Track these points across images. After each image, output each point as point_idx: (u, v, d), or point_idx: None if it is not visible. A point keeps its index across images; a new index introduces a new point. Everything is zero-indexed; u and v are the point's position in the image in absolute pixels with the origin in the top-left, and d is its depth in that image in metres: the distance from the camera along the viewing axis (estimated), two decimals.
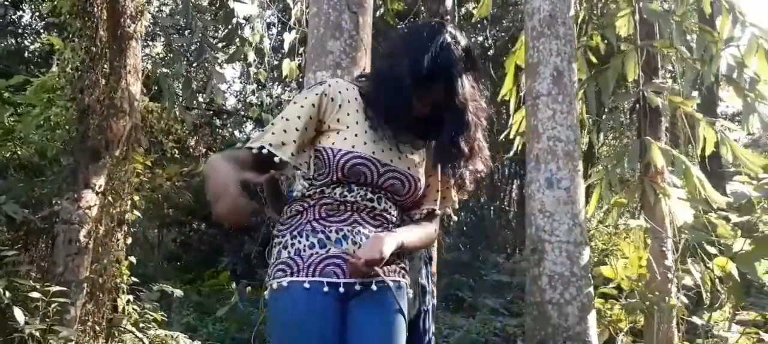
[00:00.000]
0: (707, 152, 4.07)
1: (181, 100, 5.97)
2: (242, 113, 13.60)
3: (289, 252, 1.65)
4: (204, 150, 12.97)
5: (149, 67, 6.49)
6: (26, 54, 11.52)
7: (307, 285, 1.60)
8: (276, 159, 1.62)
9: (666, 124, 4.44)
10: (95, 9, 4.74)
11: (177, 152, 7.87)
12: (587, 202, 3.69)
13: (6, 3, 10.75)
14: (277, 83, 10.97)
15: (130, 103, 4.79)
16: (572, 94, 3.45)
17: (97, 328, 4.57)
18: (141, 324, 4.88)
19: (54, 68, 6.06)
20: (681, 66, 4.19)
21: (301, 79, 4.74)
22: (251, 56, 5.36)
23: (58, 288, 3.92)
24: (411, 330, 2.01)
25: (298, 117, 1.66)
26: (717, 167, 7.52)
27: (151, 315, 4.97)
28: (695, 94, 4.81)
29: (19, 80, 5.57)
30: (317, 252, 1.63)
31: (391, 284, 1.67)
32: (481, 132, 1.76)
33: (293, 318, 1.59)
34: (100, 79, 4.70)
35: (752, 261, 3.01)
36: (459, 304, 8.48)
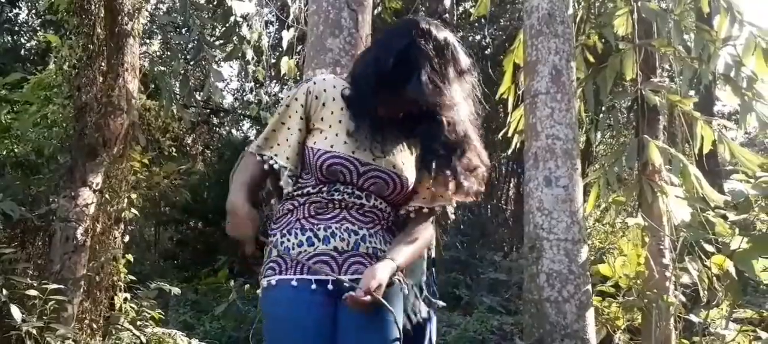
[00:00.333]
0: (705, 151, 4.07)
1: (178, 98, 5.95)
2: (240, 112, 13.58)
3: (278, 251, 1.67)
4: (201, 148, 12.96)
5: (147, 64, 6.47)
6: (23, 52, 11.50)
7: (294, 284, 1.61)
8: (276, 166, 1.71)
9: (664, 123, 4.44)
10: (92, 6, 4.73)
11: (174, 150, 7.85)
12: (585, 201, 3.69)
13: (2, 0, 10.71)
14: (275, 81, 10.95)
15: (127, 100, 4.79)
16: (571, 93, 3.45)
17: (95, 326, 4.56)
18: (138, 322, 4.88)
19: (51, 66, 6.04)
20: (679, 65, 4.20)
21: (299, 77, 4.74)
22: (249, 54, 5.35)
23: (55, 285, 3.91)
24: (418, 337, 2.04)
25: (290, 117, 1.71)
26: (714, 166, 7.54)
27: (149, 313, 4.97)
28: (693, 92, 4.82)
29: (16, 78, 5.56)
30: (306, 250, 1.64)
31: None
32: (470, 128, 1.69)
33: (280, 313, 1.62)
34: (97, 77, 4.70)
35: (750, 259, 3.01)
36: (456, 302, 8.48)
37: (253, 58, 5.49)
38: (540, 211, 3.28)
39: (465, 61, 1.69)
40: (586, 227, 3.63)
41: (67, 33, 4.87)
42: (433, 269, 2.34)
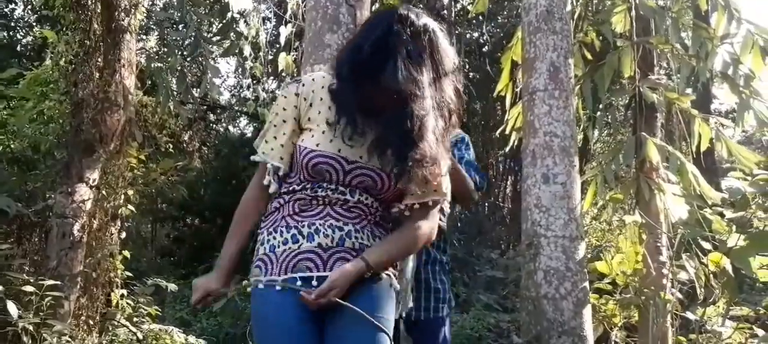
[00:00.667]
0: (702, 148, 4.08)
1: (175, 94, 5.94)
2: (237, 108, 13.57)
3: (265, 249, 1.69)
4: (198, 145, 12.94)
5: (143, 61, 6.45)
6: (19, 47, 11.47)
7: (278, 288, 1.62)
8: (269, 165, 1.73)
9: (661, 120, 4.45)
10: (89, 2, 4.71)
11: (171, 147, 7.85)
12: (583, 198, 3.69)
13: None
14: (272, 78, 10.93)
15: (124, 96, 4.77)
16: (569, 90, 3.45)
17: (91, 322, 4.55)
18: (135, 319, 4.87)
19: (47, 61, 6.03)
20: (676, 62, 4.20)
21: (297, 74, 4.73)
22: (247, 50, 5.34)
23: (51, 282, 3.90)
24: (432, 336, 2.01)
25: (284, 121, 1.72)
26: (711, 163, 7.57)
27: (145, 310, 4.96)
28: (690, 90, 4.83)
29: (12, 74, 5.54)
30: (290, 248, 1.64)
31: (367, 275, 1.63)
32: (431, 120, 1.58)
33: (263, 313, 1.65)
34: (93, 73, 4.68)
35: (746, 256, 3.01)
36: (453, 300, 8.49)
37: (250, 55, 5.48)
38: (538, 208, 3.28)
39: (445, 48, 1.65)
40: (583, 224, 3.63)
41: (64, 29, 4.85)
42: (447, 268, 2.36)
